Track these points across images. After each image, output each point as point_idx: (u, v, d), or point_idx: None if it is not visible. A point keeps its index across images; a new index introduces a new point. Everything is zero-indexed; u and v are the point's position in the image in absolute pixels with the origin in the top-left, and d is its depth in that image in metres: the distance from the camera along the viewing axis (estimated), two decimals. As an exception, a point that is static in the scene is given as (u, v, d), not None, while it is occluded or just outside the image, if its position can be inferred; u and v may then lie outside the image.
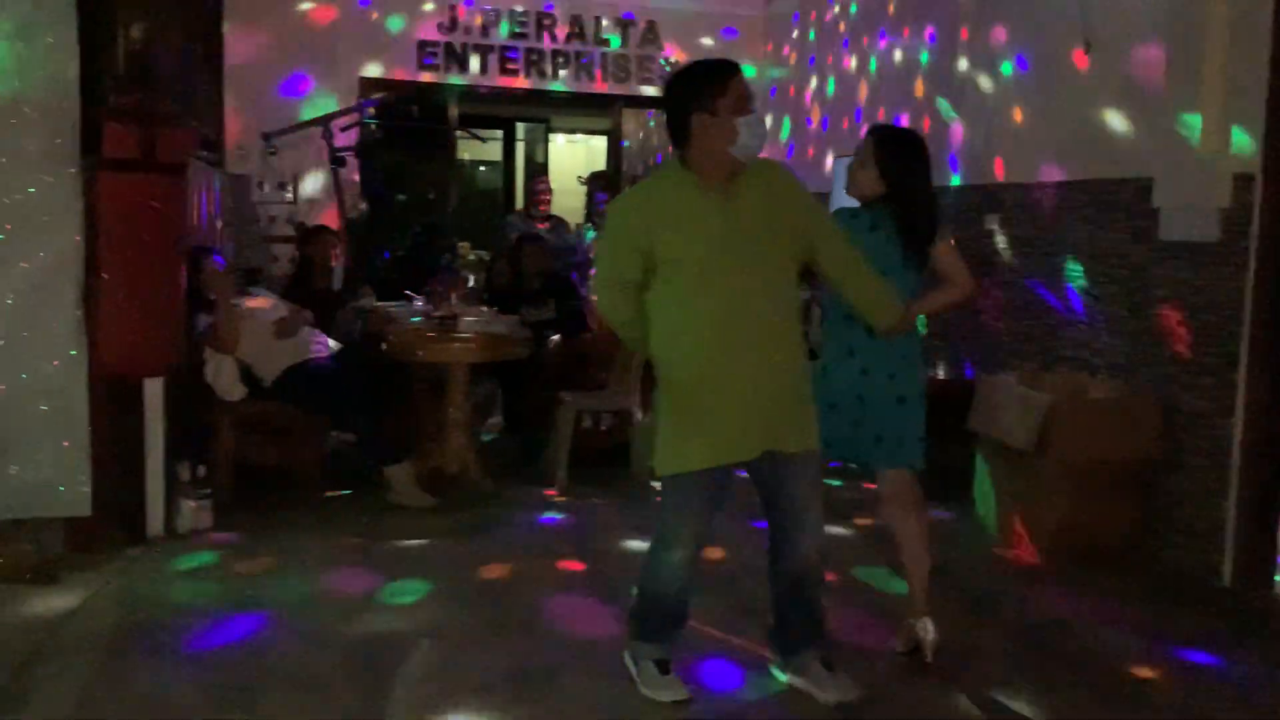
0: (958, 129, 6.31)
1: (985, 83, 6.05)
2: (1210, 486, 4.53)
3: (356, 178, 8.27)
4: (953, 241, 3.66)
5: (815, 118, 8.30)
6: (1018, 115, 5.77)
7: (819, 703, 3.34)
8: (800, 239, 3.24)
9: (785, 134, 8.83)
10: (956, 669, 3.63)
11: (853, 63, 7.64)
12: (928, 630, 3.61)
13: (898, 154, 3.61)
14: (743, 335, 3.14)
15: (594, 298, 3.42)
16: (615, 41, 8.77)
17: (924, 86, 6.69)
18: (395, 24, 8.34)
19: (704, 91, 3.11)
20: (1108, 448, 4.68)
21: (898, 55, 7.02)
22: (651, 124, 10.79)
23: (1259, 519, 4.43)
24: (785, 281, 3.24)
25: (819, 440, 3.32)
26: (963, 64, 6.27)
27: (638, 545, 4.81)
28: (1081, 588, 4.44)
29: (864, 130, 4.08)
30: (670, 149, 3.31)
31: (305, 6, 8.02)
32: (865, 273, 3.36)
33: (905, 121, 6.84)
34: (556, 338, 6.58)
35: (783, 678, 3.48)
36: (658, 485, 4.78)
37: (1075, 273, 5.29)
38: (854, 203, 3.71)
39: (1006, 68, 5.85)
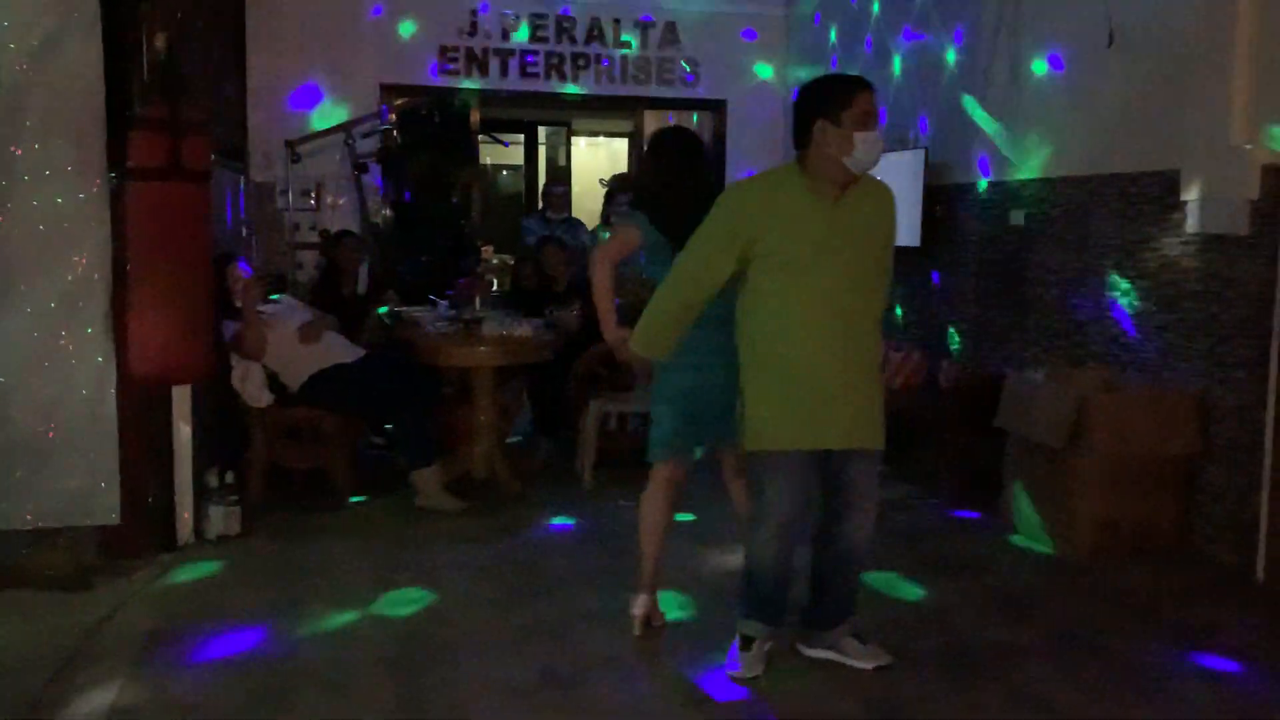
0: (984, 126, 6.26)
1: (1011, 78, 6.00)
2: (1246, 481, 4.48)
3: (380, 184, 8.29)
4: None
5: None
6: (1044, 110, 5.72)
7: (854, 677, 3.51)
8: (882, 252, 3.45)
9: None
10: (992, 668, 3.61)
11: (877, 61, 7.60)
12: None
13: (665, 152, 3.84)
14: (836, 333, 3.33)
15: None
16: (635, 44, 8.77)
17: (949, 84, 6.65)
18: (415, 30, 8.35)
19: (831, 101, 3.29)
20: (1141, 443, 4.65)
21: (923, 54, 6.98)
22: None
23: (1294, 513, 4.37)
24: (874, 292, 3.43)
25: (883, 440, 3.48)
26: (988, 60, 6.22)
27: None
28: (1119, 585, 4.40)
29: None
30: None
31: (327, 14, 8.05)
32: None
33: (927, 120, 6.82)
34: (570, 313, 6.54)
35: (809, 653, 3.64)
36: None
37: (1103, 267, 5.25)
38: None
39: (1033, 63, 5.81)
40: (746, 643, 3.52)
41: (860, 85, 3.32)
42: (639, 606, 3.84)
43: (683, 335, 3.46)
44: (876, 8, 7.59)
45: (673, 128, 4.12)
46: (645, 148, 3.76)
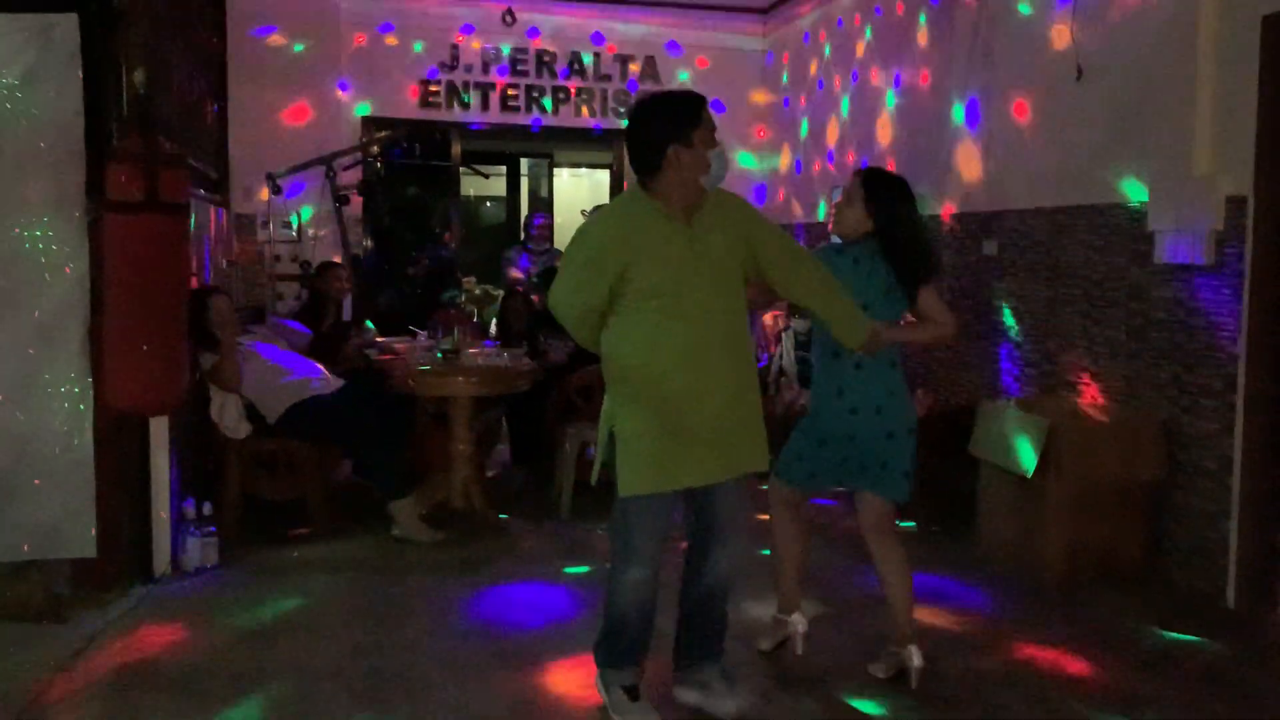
0: (955, 155, 6.35)
1: (984, 111, 6.10)
2: (1214, 507, 4.53)
3: (361, 215, 8.34)
4: (934, 287, 3.79)
5: (812, 151, 8.35)
6: (1016, 142, 5.81)
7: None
8: (753, 264, 3.34)
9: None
10: (966, 694, 3.64)
11: (847, 94, 7.70)
12: (913, 657, 3.63)
13: (885, 194, 3.71)
14: (710, 359, 3.23)
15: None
16: (615, 78, 8.87)
17: (922, 117, 6.74)
18: (398, 63, 8.44)
19: (680, 122, 3.19)
20: (1111, 470, 4.70)
21: (889, 88, 7.08)
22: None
23: (1261, 539, 4.42)
24: (741, 307, 3.35)
25: (767, 460, 3.42)
26: (961, 93, 6.32)
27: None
28: (1090, 611, 4.44)
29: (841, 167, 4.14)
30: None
31: (309, 47, 8.11)
32: (833, 293, 3.45)
33: (895, 151, 6.91)
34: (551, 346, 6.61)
35: (681, 698, 3.51)
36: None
37: (1073, 296, 5.32)
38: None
39: (1004, 96, 5.90)
40: (633, 692, 3.39)
41: (701, 101, 3.27)
42: (799, 624, 3.82)
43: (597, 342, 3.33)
44: (857, 43, 7.70)
45: (879, 170, 4.00)
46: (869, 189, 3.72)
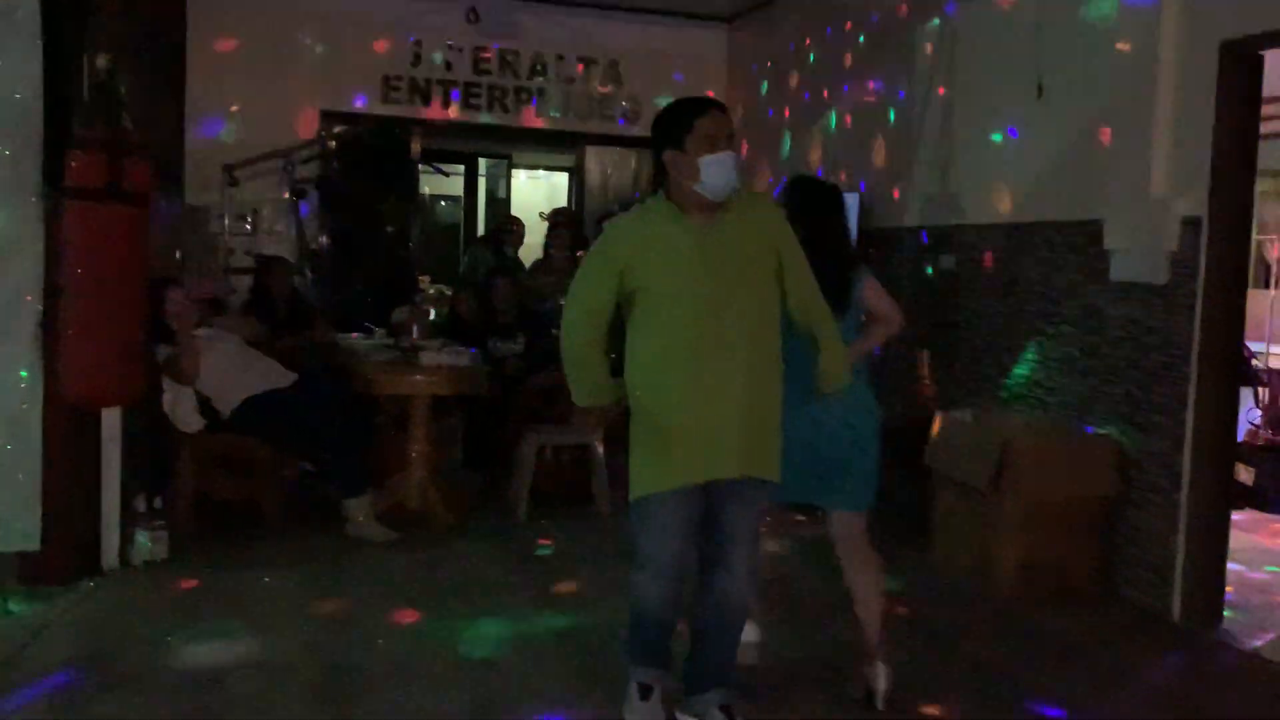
0: (917, 171, 6.42)
1: (944, 126, 6.17)
2: (1164, 524, 4.61)
3: (318, 210, 8.24)
4: (873, 280, 3.72)
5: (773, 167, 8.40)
6: (975, 158, 5.89)
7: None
8: (778, 270, 3.26)
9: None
10: (913, 708, 3.66)
11: (814, 109, 7.76)
12: (878, 677, 3.58)
13: (810, 203, 3.69)
14: (718, 361, 3.13)
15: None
16: (578, 80, 8.87)
17: (883, 131, 6.81)
18: (359, 58, 8.36)
19: (673, 128, 3.16)
20: (1064, 485, 4.76)
21: (857, 102, 7.14)
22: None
23: (1207, 556, 4.51)
24: (768, 313, 3.24)
25: (777, 470, 3.28)
26: (923, 108, 6.39)
27: (595, 579, 4.82)
28: (1039, 625, 4.49)
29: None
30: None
31: (268, 39, 8.02)
32: (829, 321, 3.39)
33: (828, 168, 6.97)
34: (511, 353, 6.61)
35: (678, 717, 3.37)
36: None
37: (1029, 312, 5.40)
38: None
39: (965, 113, 5.98)
40: (645, 691, 3.32)
41: (700, 108, 3.18)
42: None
43: (602, 374, 3.30)
44: (812, 57, 7.75)
45: (809, 178, 3.97)
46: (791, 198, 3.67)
